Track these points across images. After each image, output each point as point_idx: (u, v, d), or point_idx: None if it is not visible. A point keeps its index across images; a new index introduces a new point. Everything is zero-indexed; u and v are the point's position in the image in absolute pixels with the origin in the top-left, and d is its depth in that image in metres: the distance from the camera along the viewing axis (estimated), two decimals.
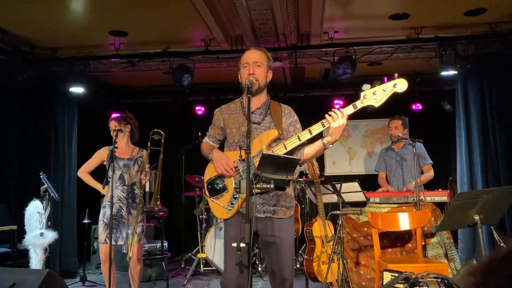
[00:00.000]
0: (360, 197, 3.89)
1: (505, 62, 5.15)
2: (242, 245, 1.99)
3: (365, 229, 4.21)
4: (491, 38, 5.08)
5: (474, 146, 5.27)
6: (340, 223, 3.43)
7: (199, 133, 5.38)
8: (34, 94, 5.76)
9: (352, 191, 3.83)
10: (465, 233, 5.19)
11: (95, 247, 5.95)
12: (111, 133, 3.86)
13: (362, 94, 2.35)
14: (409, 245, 4.11)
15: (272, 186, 2.10)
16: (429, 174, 4.63)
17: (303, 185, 5.28)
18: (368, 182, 4.94)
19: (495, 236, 3.06)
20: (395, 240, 4.14)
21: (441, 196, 4.20)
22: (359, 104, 2.35)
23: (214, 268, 5.49)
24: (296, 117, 2.66)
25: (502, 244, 2.86)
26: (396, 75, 2.35)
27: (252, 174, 2.12)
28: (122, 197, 3.79)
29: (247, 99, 2.31)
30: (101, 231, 3.73)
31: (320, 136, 2.45)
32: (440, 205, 4.24)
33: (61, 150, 5.87)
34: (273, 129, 2.53)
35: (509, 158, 5.02)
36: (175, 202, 6.89)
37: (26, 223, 4.37)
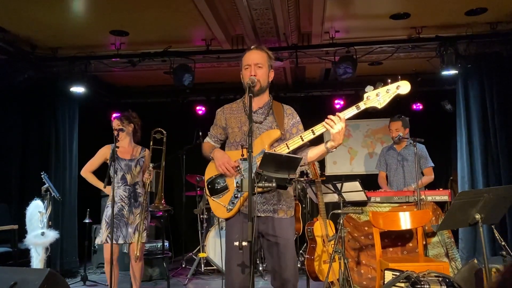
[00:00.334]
0: (361, 196, 3.89)
1: (505, 62, 5.15)
2: (244, 243, 1.99)
3: (366, 228, 4.21)
4: (491, 37, 5.08)
5: (474, 145, 5.27)
6: (341, 222, 3.43)
7: (200, 133, 5.38)
8: (35, 94, 5.77)
9: (353, 191, 3.84)
10: (466, 232, 5.19)
11: (96, 246, 5.96)
12: (114, 132, 3.87)
13: (365, 95, 2.36)
14: (410, 244, 4.12)
15: (274, 185, 2.10)
16: (430, 177, 4.65)
17: (304, 184, 5.29)
18: (369, 182, 4.94)
19: (496, 235, 3.06)
20: (396, 239, 4.14)
21: (442, 195, 4.20)
22: (362, 106, 2.36)
23: (215, 267, 5.49)
24: (298, 118, 2.66)
25: (503, 243, 2.86)
26: (400, 77, 2.37)
27: (254, 173, 2.12)
28: (124, 197, 3.80)
29: (248, 98, 2.32)
30: (103, 230, 3.76)
31: (321, 136, 2.45)
32: (441, 205, 4.24)
33: (62, 150, 5.87)
34: (275, 129, 2.54)
35: (510, 157, 5.02)
36: (176, 202, 6.89)
37: (27, 222, 4.37)
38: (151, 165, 3.86)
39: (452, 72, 5.24)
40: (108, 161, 3.89)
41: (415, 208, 3.97)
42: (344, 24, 5.09)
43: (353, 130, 7.48)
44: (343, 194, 3.79)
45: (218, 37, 5.15)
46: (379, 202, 4.24)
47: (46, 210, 4.41)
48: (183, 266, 5.93)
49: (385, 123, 6.94)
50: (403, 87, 2.35)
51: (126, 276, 4.57)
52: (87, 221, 5.23)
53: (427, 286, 2.58)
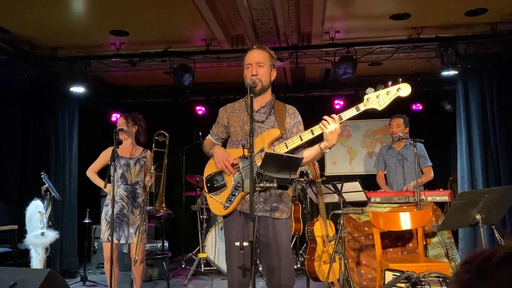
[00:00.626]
0: (361, 196, 3.89)
1: (505, 62, 5.16)
2: (245, 243, 1.99)
3: (366, 228, 4.21)
4: (491, 38, 5.09)
5: (474, 146, 5.27)
6: (341, 222, 3.43)
7: (200, 133, 5.37)
8: (35, 94, 5.77)
9: (353, 191, 3.83)
10: (466, 232, 5.19)
11: (96, 247, 5.95)
12: (115, 130, 3.88)
13: (365, 97, 2.37)
14: (410, 244, 4.12)
15: (275, 185, 2.10)
16: (429, 176, 4.65)
17: (304, 185, 5.29)
18: (369, 182, 4.94)
19: (496, 235, 3.06)
20: (396, 239, 4.14)
21: (442, 196, 4.20)
22: (362, 107, 2.36)
23: (215, 268, 5.49)
24: (300, 118, 2.66)
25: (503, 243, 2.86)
26: (400, 79, 2.37)
27: (255, 173, 2.12)
28: (124, 196, 3.79)
29: (249, 98, 2.32)
30: (104, 230, 3.75)
31: (321, 136, 2.45)
32: (441, 205, 4.25)
33: (61, 150, 5.87)
34: (276, 128, 2.54)
35: (510, 158, 5.03)
36: (175, 202, 6.89)
37: (27, 222, 4.36)
38: (152, 167, 3.83)
39: (452, 72, 5.24)
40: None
41: (415, 209, 3.97)
42: (344, 25, 5.09)
43: (353, 130, 7.48)
44: (343, 194, 3.79)
45: (218, 37, 5.15)
46: (379, 203, 4.24)
47: (46, 210, 4.40)
48: (183, 266, 5.92)
49: (385, 124, 6.95)
50: (404, 89, 2.35)
51: (126, 276, 4.57)
52: (87, 221, 5.22)
53: (428, 287, 2.58)
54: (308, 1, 4.44)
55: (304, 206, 5.56)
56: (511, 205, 3.02)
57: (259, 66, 2.54)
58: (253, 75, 2.51)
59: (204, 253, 5.44)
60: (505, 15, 4.80)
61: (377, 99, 2.35)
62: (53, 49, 5.58)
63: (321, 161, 7.04)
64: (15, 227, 4.89)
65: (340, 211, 3.54)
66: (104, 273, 5.38)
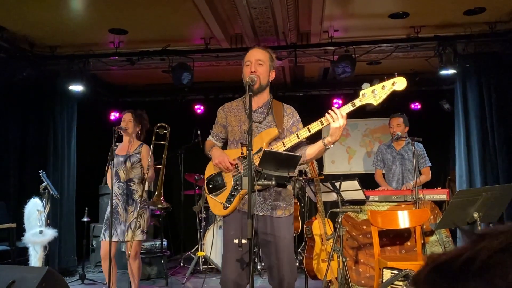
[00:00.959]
0: (359, 195, 3.89)
1: (504, 62, 5.17)
2: (243, 241, 1.99)
3: (364, 227, 4.22)
4: (490, 37, 5.09)
5: (472, 145, 5.28)
6: (339, 221, 3.44)
7: (199, 132, 5.38)
8: (34, 92, 5.76)
9: (351, 190, 3.84)
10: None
11: (94, 245, 5.96)
12: (122, 124, 3.87)
13: (361, 92, 2.36)
14: (408, 243, 4.12)
15: (273, 183, 2.11)
16: (428, 176, 4.65)
17: (302, 183, 5.29)
18: (367, 181, 4.95)
19: None
20: (394, 238, 4.15)
21: (440, 194, 4.21)
22: (358, 102, 2.36)
23: (213, 266, 5.49)
24: (298, 117, 2.67)
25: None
26: (396, 74, 2.36)
27: (254, 171, 2.12)
28: (117, 194, 3.79)
29: (248, 96, 2.32)
30: (104, 228, 3.80)
31: (318, 133, 2.46)
32: (439, 204, 4.26)
33: (60, 148, 5.86)
34: (274, 128, 2.55)
35: (508, 156, 5.04)
36: (174, 201, 6.89)
37: (26, 221, 4.36)
38: (149, 160, 3.79)
39: (451, 71, 5.25)
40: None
41: (414, 207, 3.98)
42: (343, 23, 5.10)
43: (352, 130, 7.49)
44: (341, 193, 3.80)
45: (217, 36, 5.15)
46: (378, 201, 4.24)
47: (45, 209, 4.40)
48: (182, 264, 5.93)
49: (383, 123, 6.96)
50: (399, 83, 2.34)
51: (125, 275, 4.57)
52: (85, 219, 5.22)
53: None
54: (307, 0, 4.44)
55: (302, 204, 5.56)
56: (509, 203, 3.03)
57: (258, 64, 2.55)
58: (251, 72, 2.51)
59: (203, 251, 5.45)
60: (503, 14, 4.81)
61: (373, 93, 2.34)
62: (52, 47, 5.57)
63: (319, 160, 7.06)
64: (14, 225, 4.89)
65: (338, 210, 3.54)
66: (102, 271, 5.39)
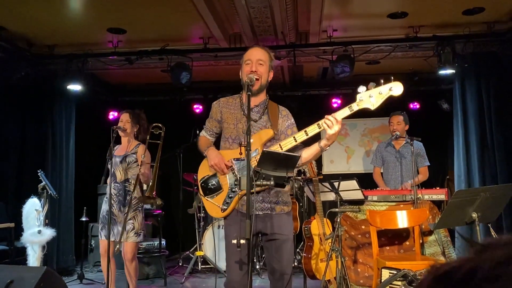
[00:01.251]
0: (358, 195, 3.90)
1: (503, 61, 5.17)
2: (242, 241, 1.99)
3: (363, 227, 4.22)
4: (489, 37, 5.10)
5: (471, 144, 5.29)
6: (338, 220, 3.44)
7: (198, 131, 5.35)
8: (32, 91, 5.75)
9: (350, 189, 3.84)
10: (462, 231, 5.21)
11: (93, 245, 5.95)
12: (119, 124, 3.86)
13: (358, 96, 2.36)
14: (407, 243, 4.13)
15: (272, 183, 2.10)
16: (425, 176, 4.66)
17: (301, 183, 5.29)
18: (366, 181, 4.95)
19: (492, 233, 3.08)
20: (392, 238, 4.15)
21: (439, 194, 4.22)
22: (355, 107, 2.36)
23: (212, 266, 5.49)
24: (293, 120, 2.67)
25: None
26: (392, 78, 2.36)
27: (252, 171, 2.12)
28: (113, 194, 3.78)
29: (247, 97, 2.31)
30: (100, 227, 3.81)
31: (316, 137, 2.46)
32: (437, 203, 4.26)
33: (58, 148, 5.86)
34: (269, 129, 2.55)
35: (506, 156, 5.05)
36: (173, 201, 6.89)
37: (24, 220, 4.35)
38: (142, 156, 3.73)
39: (449, 71, 5.25)
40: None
41: (412, 207, 3.98)
42: (342, 23, 5.10)
43: (350, 129, 7.48)
44: (340, 192, 3.80)
45: (216, 35, 5.15)
46: (376, 201, 4.25)
47: (43, 208, 4.39)
48: (180, 264, 5.93)
49: (382, 122, 6.96)
50: (396, 88, 2.34)
51: (123, 274, 4.56)
52: (84, 219, 5.22)
53: None
54: None
55: (301, 204, 5.57)
56: (507, 203, 3.03)
57: (259, 63, 2.54)
58: (252, 71, 2.50)
59: (201, 251, 5.44)
60: (502, 14, 4.81)
61: (370, 98, 2.34)
62: (50, 46, 5.56)
63: (318, 159, 7.04)
64: (12, 225, 4.88)
65: (337, 209, 3.55)
66: (101, 271, 5.38)
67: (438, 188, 4.35)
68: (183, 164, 6.02)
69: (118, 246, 3.72)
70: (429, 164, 4.70)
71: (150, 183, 3.64)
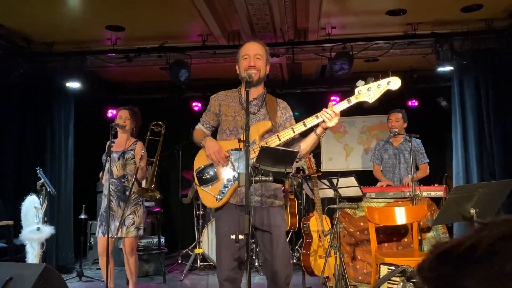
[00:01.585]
0: (356, 192, 3.91)
1: (501, 59, 5.18)
2: (240, 237, 2.00)
3: (362, 223, 4.23)
4: (487, 34, 5.10)
5: (469, 142, 5.30)
6: (337, 217, 3.44)
7: None
8: (30, 89, 5.74)
9: (348, 186, 3.85)
10: (460, 228, 5.23)
11: (92, 242, 5.95)
12: (118, 121, 3.86)
13: (356, 90, 2.39)
14: (405, 239, 4.14)
15: (270, 178, 2.11)
16: (425, 171, 4.68)
17: (300, 180, 5.30)
18: (365, 178, 4.95)
19: None
20: (391, 234, 4.17)
21: (437, 191, 4.23)
22: (354, 100, 2.39)
23: (211, 263, 5.50)
24: (291, 113, 2.69)
25: None
26: (390, 72, 2.38)
27: (251, 167, 2.13)
28: (111, 190, 3.79)
29: (245, 92, 2.32)
30: (98, 224, 3.81)
31: (312, 128, 2.47)
32: (436, 200, 4.27)
33: (57, 145, 5.85)
34: (267, 121, 2.56)
35: (504, 153, 5.06)
36: (172, 198, 6.89)
37: (23, 218, 4.34)
38: (142, 151, 3.77)
39: (448, 68, 5.26)
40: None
41: (411, 204, 3.99)
42: (341, 20, 5.10)
43: (349, 127, 7.49)
44: (338, 189, 3.81)
45: (215, 32, 5.15)
46: (375, 198, 4.26)
47: (42, 206, 4.39)
48: (179, 262, 5.93)
49: (381, 120, 6.97)
50: (394, 82, 2.38)
51: (122, 271, 4.57)
52: (82, 216, 5.22)
53: None
54: None
55: (300, 201, 5.58)
56: (505, 200, 3.04)
57: (256, 58, 2.55)
58: (250, 66, 2.51)
59: (200, 248, 5.46)
60: (500, 11, 4.82)
61: (368, 92, 2.38)
62: (48, 44, 5.55)
63: (317, 157, 7.06)
64: (11, 222, 4.88)
65: (335, 206, 3.55)
66: (100, 268, 5.39)
67: (436, 185, 4.36)
68: (182, 162, 6.02)
69: (114, 241, 3.74)
70: (428, 161, 4.72)
71: (149, 177, 3.65)
